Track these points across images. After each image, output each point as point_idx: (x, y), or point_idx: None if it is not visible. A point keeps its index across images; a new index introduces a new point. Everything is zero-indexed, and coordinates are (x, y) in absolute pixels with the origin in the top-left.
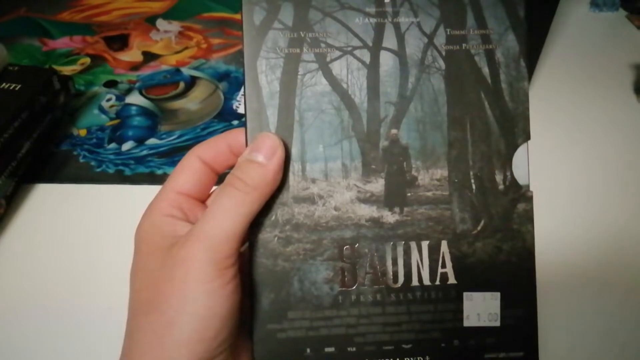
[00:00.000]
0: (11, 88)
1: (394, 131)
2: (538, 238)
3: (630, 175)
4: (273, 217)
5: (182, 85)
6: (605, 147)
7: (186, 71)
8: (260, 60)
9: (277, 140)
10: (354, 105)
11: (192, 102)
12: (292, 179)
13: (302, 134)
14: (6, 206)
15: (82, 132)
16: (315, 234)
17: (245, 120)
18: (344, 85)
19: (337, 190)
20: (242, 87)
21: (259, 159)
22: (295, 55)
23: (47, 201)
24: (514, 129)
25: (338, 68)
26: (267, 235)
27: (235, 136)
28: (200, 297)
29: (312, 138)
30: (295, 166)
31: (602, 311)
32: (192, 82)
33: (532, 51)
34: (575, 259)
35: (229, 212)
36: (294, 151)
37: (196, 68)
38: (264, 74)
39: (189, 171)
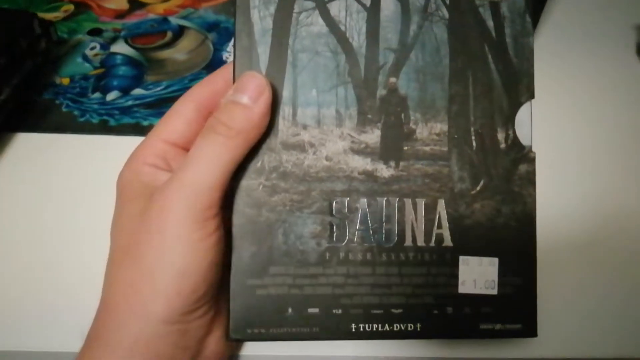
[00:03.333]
0: None
1: (392, 80)
2: (538, 203)
3: (632, 137)
4: (259, 164)
5: (169, 34)
6: (606, 109)
7: (174, 20)
8: None
9: (264, 80)
10: (352, 50)
11: (180, 53)
12: (282, 124)
13: (295, 76)
14: None
15: (65, 81)
16: (303, 184)
17: (234, 58)
18: (342, 28)
19: (329, 138)
20: (232, 36)
21: (244, 100)
22: None
23: (28, 150)
24: (518, 85)
25: (336, 9)
26: (252, 183)
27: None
28: (179, 249)
29: (305, 81)
30: (285, 110)
31: (604, 283)
32: (180, 31)
33: (534, 9)
34: (577, 226)
35: (211, 158)
36: (285, 94)
37: (184, 17)
38: (257, 9)
39: (179, 118)
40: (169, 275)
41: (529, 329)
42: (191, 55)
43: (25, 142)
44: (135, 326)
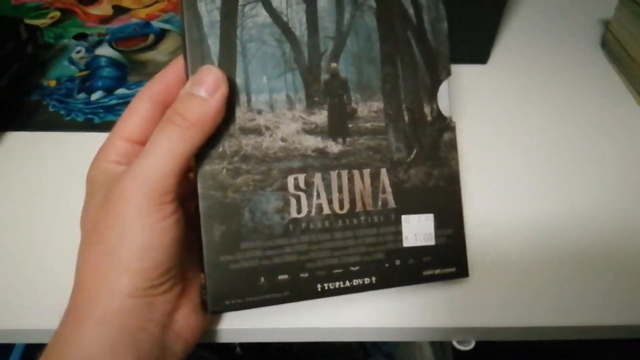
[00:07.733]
0: None
1: (333, 65)
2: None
3: (598, 128)
4: (220, 149)
5: (151, 37)
6: (572, 101)
7: (156, 24)
8: None
9: (221, 74)
10: (295, 38)
11: (161, 54)
12: (238, 111)
13: (246, 64)
14: None
15: (52, 83)
16: (264, 165)
17: (185, 50)
18: (284, 18)
19: (283, 121)
20: (181, 30)
21: (201, 93)
22: None
23: (16, 148)
24: (437, 65)
25: (277, 1)
26: (216, 167)
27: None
28: (137, 230)
29: (256, 69)
30: (240, 97)
31: (526, 221)
32: (161, 34)
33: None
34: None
35: (166, 148)
36: (239, 82)
37: (166, 21)
38: (204, 3)
39: (136, 116)
40: (130, 253)
41: (461, 271)
42: (172, 57)
43: (13, 141)
44: (102, 301)
